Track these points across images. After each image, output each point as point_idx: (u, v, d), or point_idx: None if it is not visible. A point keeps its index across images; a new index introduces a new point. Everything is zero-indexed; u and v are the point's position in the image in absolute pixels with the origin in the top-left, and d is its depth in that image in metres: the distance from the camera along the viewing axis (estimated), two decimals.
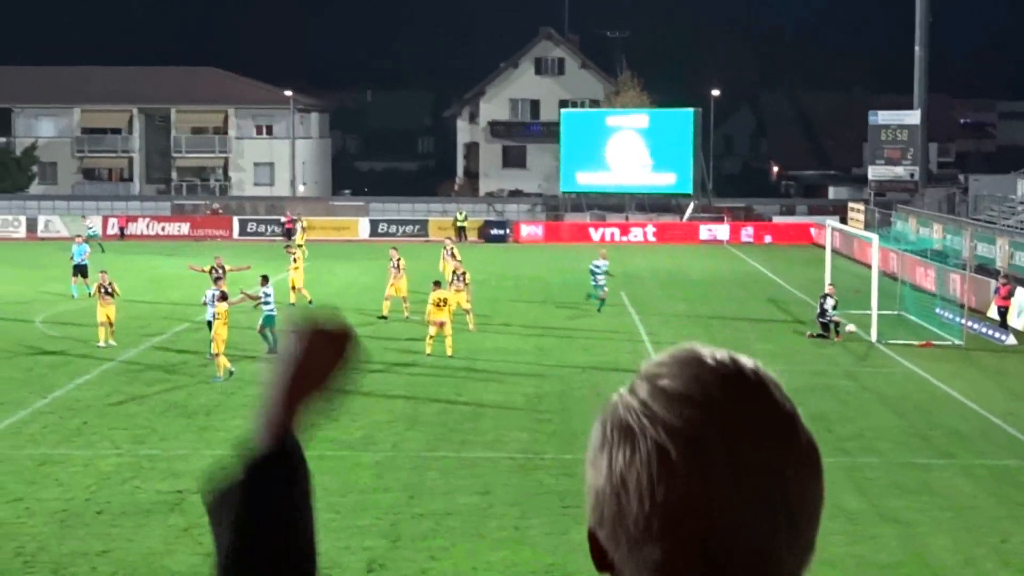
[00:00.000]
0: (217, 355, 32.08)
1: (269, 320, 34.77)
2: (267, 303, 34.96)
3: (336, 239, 74.42)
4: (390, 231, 78.99)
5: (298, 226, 68.75)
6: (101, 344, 36.88)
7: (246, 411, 28.08)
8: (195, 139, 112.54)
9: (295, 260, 46.47)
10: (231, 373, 31.60)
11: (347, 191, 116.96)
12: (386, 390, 30.97)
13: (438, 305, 35.65)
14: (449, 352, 35.26)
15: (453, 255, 46.38)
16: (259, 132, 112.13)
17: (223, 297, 33.35)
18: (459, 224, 79.29)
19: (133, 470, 23.39)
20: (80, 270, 49.70)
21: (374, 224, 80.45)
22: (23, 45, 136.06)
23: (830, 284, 41.58)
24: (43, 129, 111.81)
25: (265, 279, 35.81)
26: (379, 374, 33.02)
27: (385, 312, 41.96)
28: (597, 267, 45.20)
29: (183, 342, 37.83)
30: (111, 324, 37.41)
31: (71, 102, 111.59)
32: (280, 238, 75.65)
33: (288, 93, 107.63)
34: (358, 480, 22.84)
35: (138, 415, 27.92)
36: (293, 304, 44.03)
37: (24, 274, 56.92)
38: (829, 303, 39.42)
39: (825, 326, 39.43)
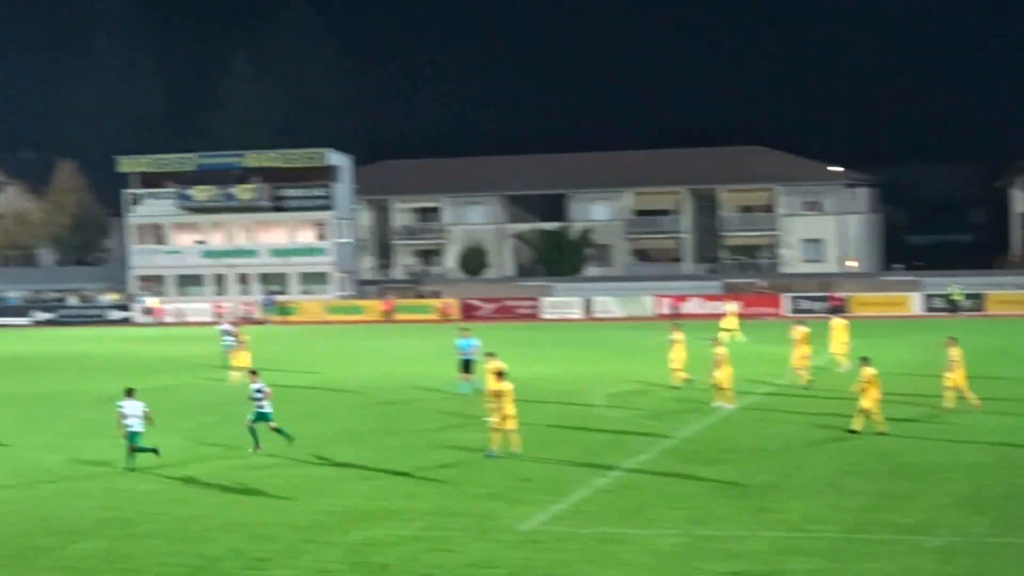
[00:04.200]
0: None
1: (261, 416, 34.11)
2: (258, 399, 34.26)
3: (886, 315, 73.06)
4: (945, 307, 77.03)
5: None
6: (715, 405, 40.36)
7: (807, 492, 27.65)
8: (742, 218, 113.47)
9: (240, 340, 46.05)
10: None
11: (899, 266, 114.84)
12: (878, 462, 30.07)
13: None
14: None
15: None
16: (806, 209, 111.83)
17: None
18: (952, 299, 76.70)
19: (692, 551, 23.34)
20: (466, 366, 44.59)
21: (928, 299, 78.47)
22: (576, 133, 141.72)
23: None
24: (597, 213, 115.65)
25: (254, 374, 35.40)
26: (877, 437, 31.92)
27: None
28: None
29: (737, 419, 37.99)
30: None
31: (623, 185, 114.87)
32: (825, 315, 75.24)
33: (836, 169, 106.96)
34: (917, 566, 22.00)
35: (696, 495, 27.92)
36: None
37: (582, 354, 58.84)
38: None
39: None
